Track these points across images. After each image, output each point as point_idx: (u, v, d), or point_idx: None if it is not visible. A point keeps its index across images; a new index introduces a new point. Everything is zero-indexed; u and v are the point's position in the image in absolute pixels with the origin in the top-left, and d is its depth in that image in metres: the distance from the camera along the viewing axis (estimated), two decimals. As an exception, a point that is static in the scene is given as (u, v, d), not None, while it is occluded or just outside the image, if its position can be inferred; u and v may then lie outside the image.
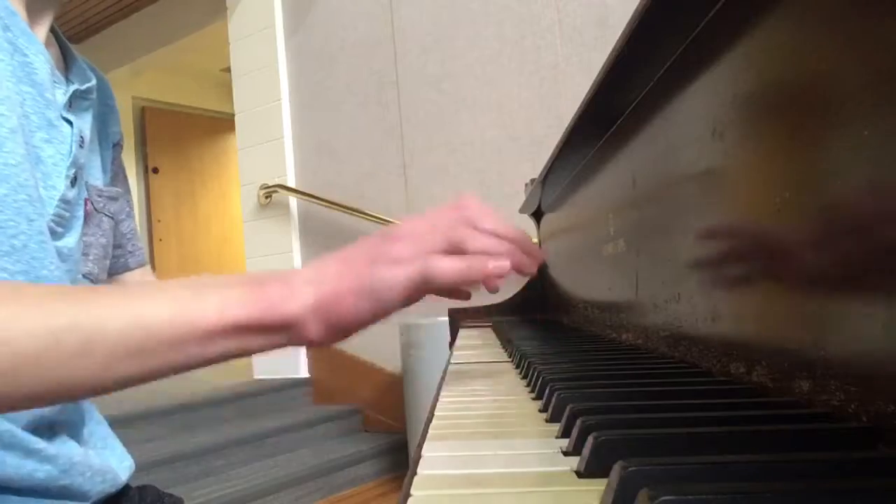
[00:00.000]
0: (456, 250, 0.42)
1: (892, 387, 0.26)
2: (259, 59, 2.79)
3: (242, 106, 2.88)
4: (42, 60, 0.55)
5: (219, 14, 3.09)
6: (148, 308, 0.38)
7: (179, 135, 4.91)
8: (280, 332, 0.40)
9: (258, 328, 0.39)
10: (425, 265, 0.40)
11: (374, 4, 2.44)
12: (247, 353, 0.40)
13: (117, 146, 0.72)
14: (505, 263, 0.42)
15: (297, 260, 2.69)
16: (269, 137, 2.77)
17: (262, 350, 0.40)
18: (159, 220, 4.75)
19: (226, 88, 3.60)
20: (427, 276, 0.40)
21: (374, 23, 2.44)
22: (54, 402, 0.50)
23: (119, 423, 1.52)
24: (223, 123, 4.95)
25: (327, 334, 0.40)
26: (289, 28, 2.73)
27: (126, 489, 0.64)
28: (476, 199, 0.46)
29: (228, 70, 2.95)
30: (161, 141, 4.80)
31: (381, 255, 0.41)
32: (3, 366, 0.34)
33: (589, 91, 0.62)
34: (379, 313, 0.40)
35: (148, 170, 4.74)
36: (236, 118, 2.90)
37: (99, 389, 0.39)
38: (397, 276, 0.40)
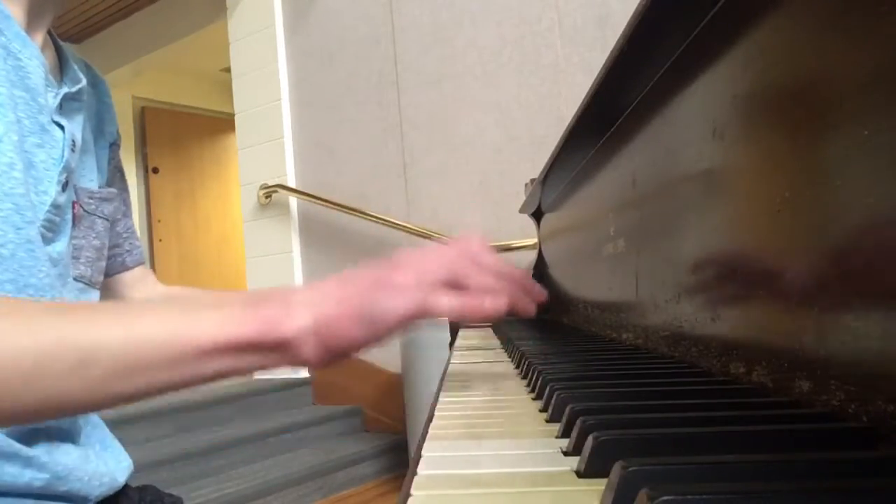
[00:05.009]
0: (456, 284, 0.43)
1: (892, 387, 0.26)
2: (259, 59, 2.79)
3: (242, 106, 2.88)
4: (36, 64, 0.54)
5: (219, 14, 3.09)
6: (145, 326, 0.38)
7: (179, 135, 4.91)
8: (276, 352, 0.39)
9: (254, 347, 0.39)
10: (425, 298, 0.40)
11: (374, 4, 2.44)
12: (242, 371, 0.40)
13: (114, 146, 0.71)
14: (502, 303, 0.42)
15: (296, 260, 2.69)
16: (269, 137, 2.77)
17: (257, 369, 0.40)
18: (159, 220, 4.75)
19: (226, 88, 3.59)
20: (425, 310, 0.40)
21: (374, 22, 2.44)
22: (47, 419, 0.50)
23: (119, 424, 1.52)
24: (223, 123, 4.95)
25: (322, 356, 0.40)
26: (289, 28, 2.73)
27: (126, 489, 0.64)
28: (479, 237, 0.47)
29: (228, 70, 2.95)
30: (161, 141, 4.80)
31: (382, 281, 0.41)
32: None
33: (589, 91, 0.62)
34: (374, 338, 0.40)
35: (148, 170, 4.73)
36: (236, 118, 2.90)
37: (92, 407, 0.39)
38: (396, 305, 0.40)
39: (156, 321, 0.38)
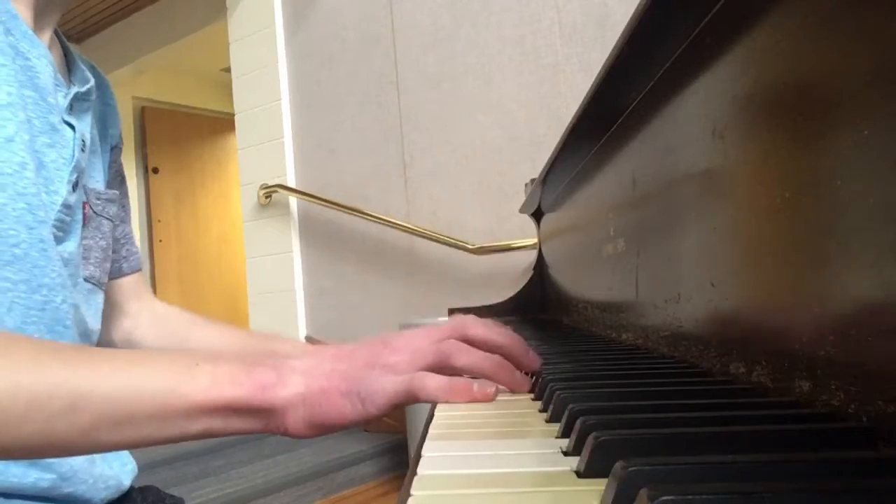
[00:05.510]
0: (445, 365, 0.43)
1: (892, 387, 0.26)
2: (259, 59, 2.79)
3: (242, 106, 2.88)
4: (45, 64, 0.54)
5: (219, 14, 3.09)
6: (139, 377, 0.38)
7: (179, 135, 4.91)
8: (262, 418, 0.39)
9: (243, 410, 0.39)
10: (411, 381, 0.40)
11: (374, 4, 2.44)
12: (223, 434, 0.39)
13: (116, 149, 0.71)
14: (490, 392, 0.42)
15: (296, 260, 2.69)
16: (269, 137, 2.77)
17: (238, 433, 0.40)
18: (159, 220, 4.74)
19: (226, 88, 3.59)
20: (412, 393, 0.40)
21: (374, 23, 2.44)
22: (25, 458, 0.49)
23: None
24: (223, 123, 4.95)
25: (305, 427, 0.39)
26: (289, 28, 2.73)
27: (128, 491, 0.64)
28: (472, 317, 0.47)
29: (228, 70, 2.95)
30: (161, 141, 4.79)
31: (376, 360, 0.41)
32: None
33: (589, 91, 0.62)
34: (361, 417, 0.40)
35: (148, 170, 4.73)
36: (236, 118, 2.90)
37: (73, 452, 0.38)
38: (385, 386, 0.40)
39: (150, 373, 0.38)
